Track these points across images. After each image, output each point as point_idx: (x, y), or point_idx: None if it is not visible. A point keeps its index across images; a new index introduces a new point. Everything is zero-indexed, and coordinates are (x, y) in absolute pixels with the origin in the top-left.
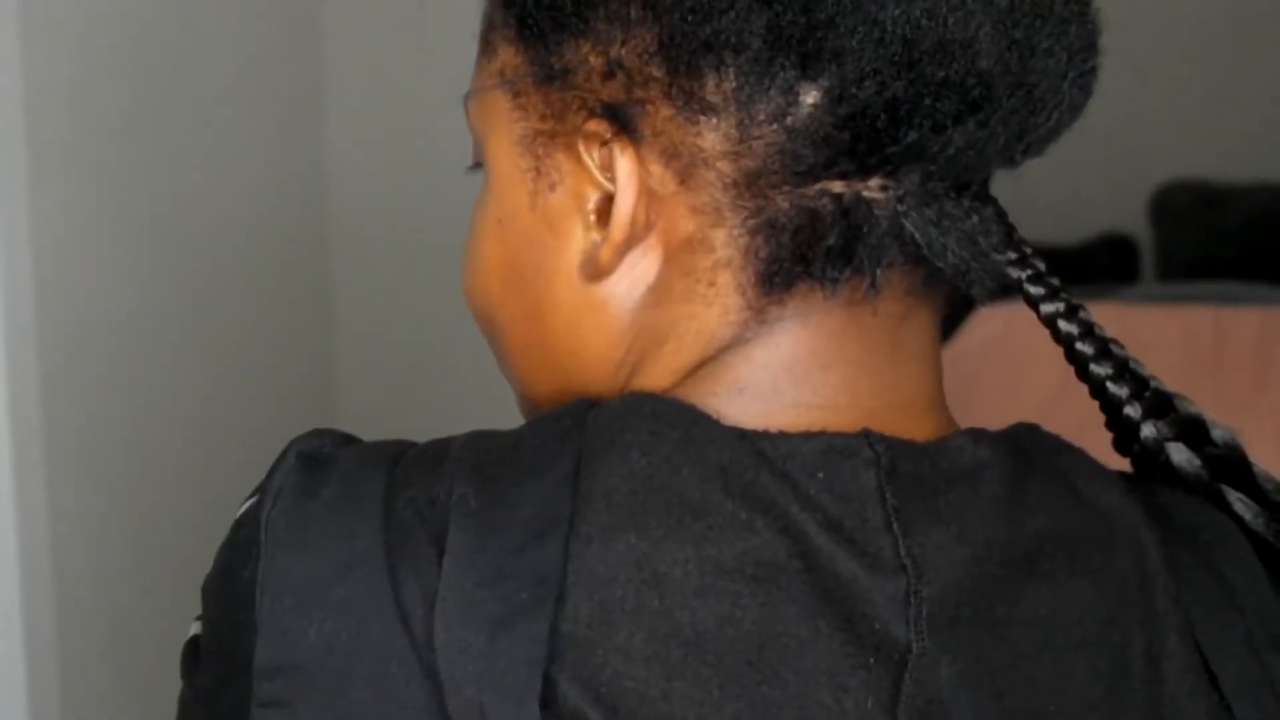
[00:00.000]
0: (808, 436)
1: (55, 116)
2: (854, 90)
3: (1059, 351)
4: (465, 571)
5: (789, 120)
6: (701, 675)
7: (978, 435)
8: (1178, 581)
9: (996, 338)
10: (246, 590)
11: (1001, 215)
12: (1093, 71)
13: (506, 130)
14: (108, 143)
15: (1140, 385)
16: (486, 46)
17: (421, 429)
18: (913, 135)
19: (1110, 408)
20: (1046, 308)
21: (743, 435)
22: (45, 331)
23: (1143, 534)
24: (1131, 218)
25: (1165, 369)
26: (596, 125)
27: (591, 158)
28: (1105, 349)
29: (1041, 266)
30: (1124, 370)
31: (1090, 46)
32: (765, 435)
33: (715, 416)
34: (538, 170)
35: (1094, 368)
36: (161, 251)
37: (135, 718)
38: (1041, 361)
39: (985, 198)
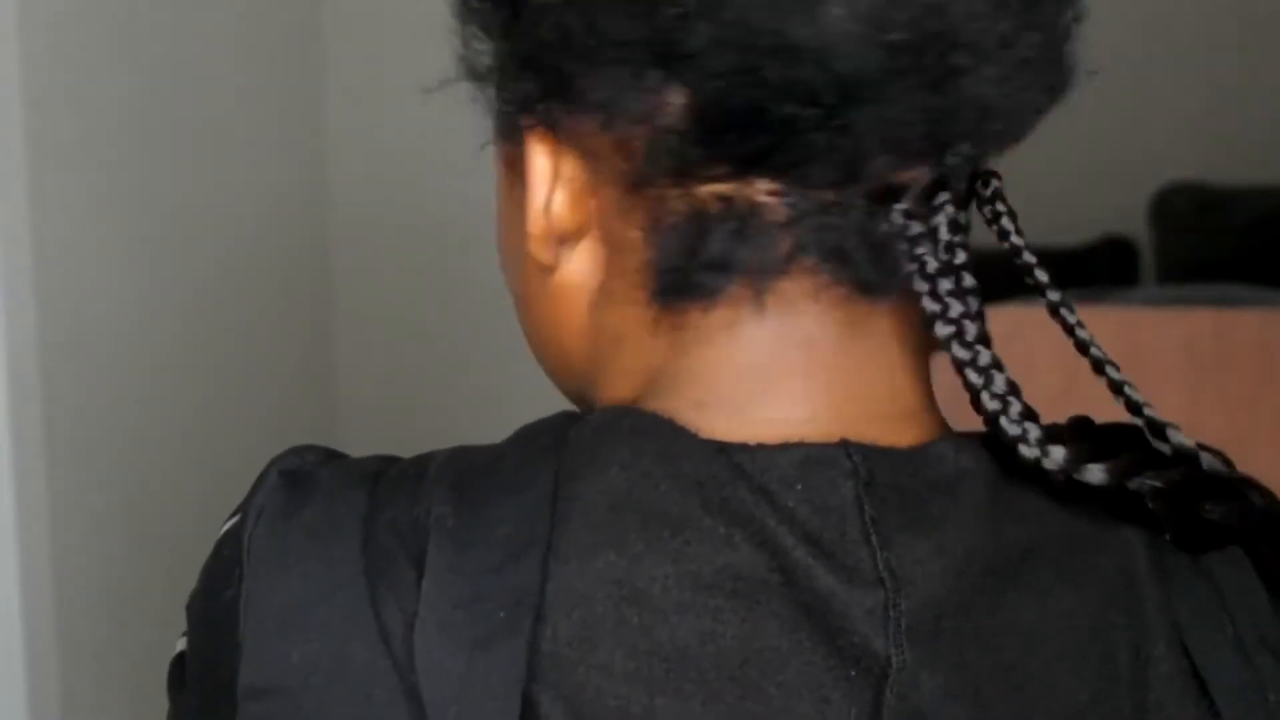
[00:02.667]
0: (785, 448)
1: (55, 116)
2: (701, 93)
3: (1062, 356)
4: (444, 592)
5: (657, 121)
6: (684, 691)
7: (961, 442)
8: (1165, 585)
9: (999, 341)
10: (229, 611)
11: (999, 214)
12: (1034, 67)
13: (493, 121)
14: (108, 142)
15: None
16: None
17: (421, 429)
18: (765, 139)
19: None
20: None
21: (720, 449)
22: (45, 331)
23: (1129, 538)
24: (1132, 220)
25: (1166, 371)
26: (524, 119)
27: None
28: (1086, 346)
29: (1034, 271)
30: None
31: (1013, 44)
32: (743, 448)
33: (693, 430)
34: (510, 163)
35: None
36: (162, 251)
37: (135, 718)
38: (1045, 365)
39: (944, 203)
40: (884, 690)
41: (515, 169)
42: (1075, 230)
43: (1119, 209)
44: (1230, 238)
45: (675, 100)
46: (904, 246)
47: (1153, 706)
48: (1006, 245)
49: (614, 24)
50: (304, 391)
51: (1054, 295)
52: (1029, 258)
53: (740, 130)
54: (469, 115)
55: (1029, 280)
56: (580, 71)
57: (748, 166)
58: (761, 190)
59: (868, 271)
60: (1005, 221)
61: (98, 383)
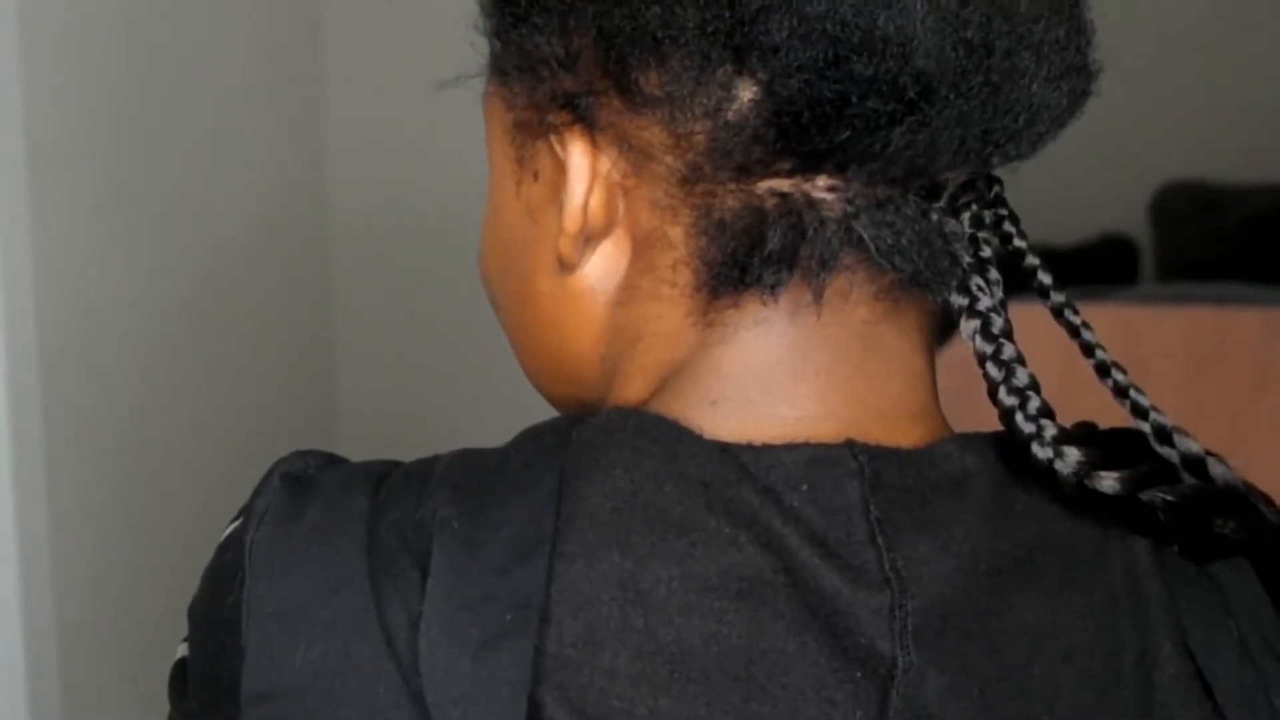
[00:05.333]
0: (790, 448)
1: (55, 116)
2: (780, 87)
3: (1059, 355)
4: (449, 594)
5: (725, 115)
6: (689, 693)
7: (966, 441)
8: (1170, 588)
9: None
10: (232, 615)
11: (1001, 218)
12: (1078, 71)
13: (500, 119)
14: (108, 142)
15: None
16: (487, 38)
17: (421, 429)
18: (845, 133)
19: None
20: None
21: (725, 449)
22: (45, 331)
23: (1134, 540)
24: (1131, 218)
25: (1165, 370)
26: (557, 116)
27: (561, 149)
28: (1091, 349)
29: (1038, 273)
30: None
31: (1068, 46)
32: (748, 448)
33: (697, 431)
34: (521, 160)
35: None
36: (162, 251)
37: (135, 718)
38: (1040, 364)
39: (969, 201)
40: (890, 691)
41: (528, 168)
42: (1075, 229)
43: (1119, 207)
44: (1230, 236)
45: (744, 94)
46: (939, 242)
47: (1158, 708)
48: (1010, 248)
49: (689, 16)
50: (304, 391)
51: (1059, 298)
52: (1033, 260)
53: (819, 125)
54: (469, 115)
55: (1034, 284)
56: (644, 65)
57: (816, 162)
58: (820, 186)
59: (921, 266)
60: (1008, 225)
61: (98, 383)
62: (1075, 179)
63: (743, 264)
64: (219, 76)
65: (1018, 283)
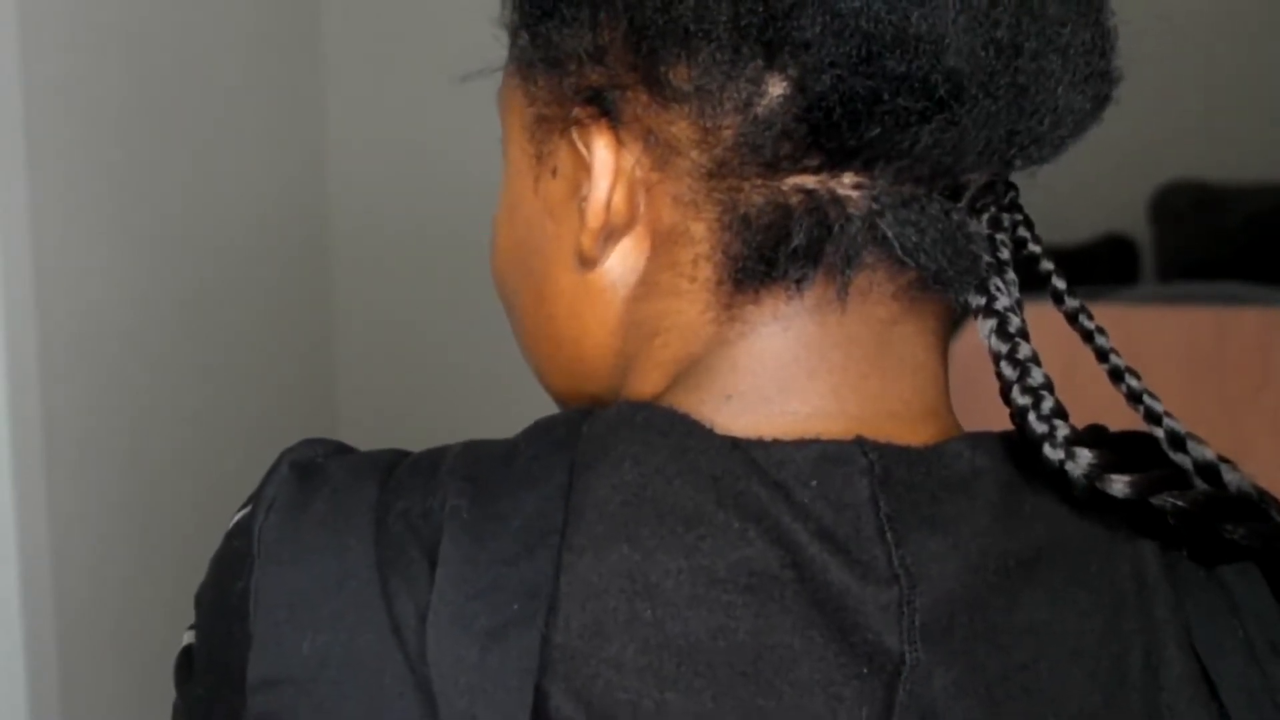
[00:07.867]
0: (801, 444)
1: (54, 116)
2: (812, 82)
3: (1061, 353)
4: (457, 584)
5: (754, 111)
6: (695, 686)
7: (976, 441)
8: (1177, 589)
9: None
10: (239, 602)
11: (1016, 223)
12: (1101, 76)
13: (519, 115)
14: (107, 142)
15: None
16: (510, 31)
17: (421, 430)
18: (875, 130)
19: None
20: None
21: (735, 444)
22: (45, 331)
23: (1142, 542)
24: (1131, 218)
25: (1166, 370)
26: (581, 111)
27: (584, 144)
28: (1105, 354)
29: (1053, 278)
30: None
31: (1093, 50)
32: (758, 444)
33: (708, 425)
34: (540, 156)
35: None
36: (161, 251)
37: (135, 718)
38: (1044, 363)
39: (988, 204)
40: (896, 688)
41: (547, 164)
42: (1075, 228)
43: (1119, 207)
44: (1230, 236)
45: (774, 90)
46: (961, 241)
47: (1164, 708)
48: (1025, 253)
49: (722, 10)
50: (304, 392)
51: (1073, 303)
52: (1048, 265)
53: (849, 121)
54: (469, 114)
55: (1049, 289)
56: (674, 58)
57: (844, 159)
58: (846, 183)
59: (944, 265)
60: (1023, 230)
61: (98, 383)
62: (1075, 179)
63: (769, 258)
64: (219, 76)
65: (1021, 283)
